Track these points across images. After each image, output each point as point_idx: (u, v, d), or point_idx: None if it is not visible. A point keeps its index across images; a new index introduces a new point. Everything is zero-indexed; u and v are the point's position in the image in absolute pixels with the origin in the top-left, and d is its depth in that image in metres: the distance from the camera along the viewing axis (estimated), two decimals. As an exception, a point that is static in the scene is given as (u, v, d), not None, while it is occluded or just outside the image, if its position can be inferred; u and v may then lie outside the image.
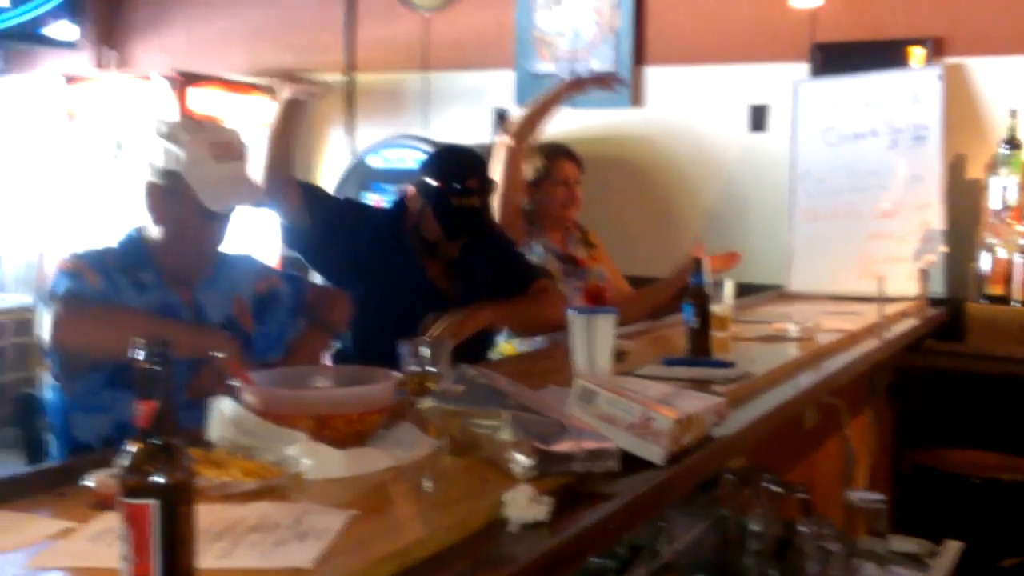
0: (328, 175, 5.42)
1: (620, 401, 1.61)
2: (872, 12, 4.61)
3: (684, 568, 1.90)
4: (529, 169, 3.46)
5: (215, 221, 2.11)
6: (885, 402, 3.81)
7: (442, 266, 2.87)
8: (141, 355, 0.95)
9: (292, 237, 2.81)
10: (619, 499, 1.36)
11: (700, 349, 2.44)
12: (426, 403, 1.58)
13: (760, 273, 4.72)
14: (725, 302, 2.99)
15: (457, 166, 2.81)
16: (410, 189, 2.86)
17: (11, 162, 6.35)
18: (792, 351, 2.78)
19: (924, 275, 3.94)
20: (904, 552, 2.04)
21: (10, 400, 2.65)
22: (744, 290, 4.46)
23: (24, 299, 5.65)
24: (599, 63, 5.07)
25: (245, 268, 2.31)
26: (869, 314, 3.40)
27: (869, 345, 2.99)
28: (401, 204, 2.87)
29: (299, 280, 2.41)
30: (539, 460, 1.41)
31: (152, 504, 0.93)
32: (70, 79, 5.64)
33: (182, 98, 5.30)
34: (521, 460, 1.41)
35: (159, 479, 0.94)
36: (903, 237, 4.26)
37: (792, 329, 2.94)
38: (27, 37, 5.89)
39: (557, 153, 3.54)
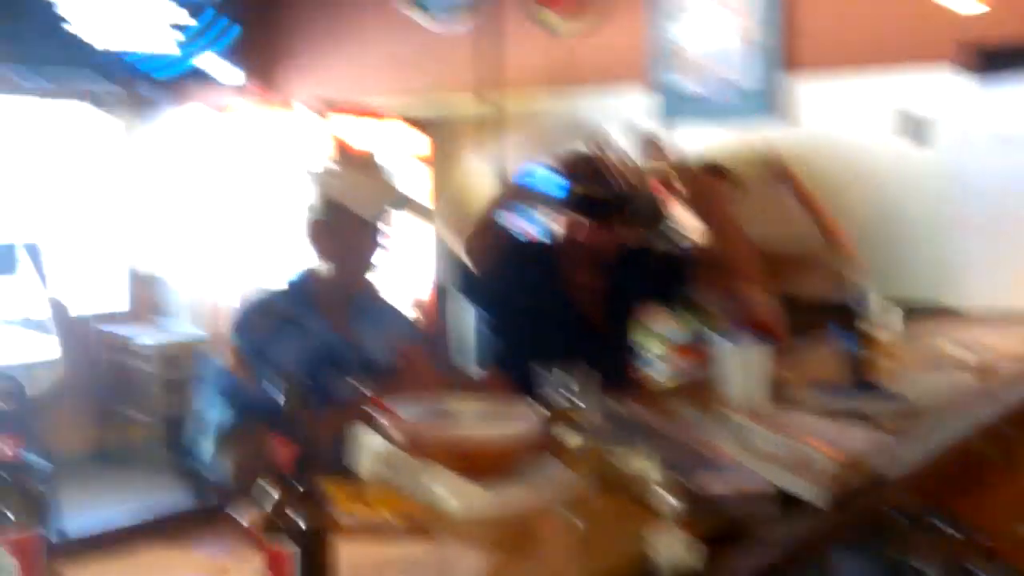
0: (473, 200, 5.47)
1: (777, 438, 1.53)
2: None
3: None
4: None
5: (372, 233, 2.18)
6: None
7: (594, 298, 2.82)
8: (282, 396, 0.95)
9: (469, 283, 2.83)
10: (778, 545, 1.28)
11: (861, 377, 2.32)
12: (573, 440, 1.53)
13: (923, 290, 4.50)
14: (892, 327, 2.84)
15: (578, 171, 2.80)
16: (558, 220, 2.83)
17: (176, 194, 6.67)
18: (967, 380, 2.60)
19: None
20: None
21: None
22: (908, 309, 4.27)
23: (196, 331, 5.93)
24: (744, 78, 4.95)
25: (399, 319, 2.38)
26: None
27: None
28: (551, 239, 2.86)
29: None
30: (689, 502, 1.34)
31: (295, 552, 0.92)
32: (225, 111, 5.92)
33: (331, 129, 5.47)
34: (670, 502, 1.35)
35: (301, 525, 0.93)
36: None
37: (966, 356, 2.76)
38: (190, 75, 6.21)
39: (708, 172, 3.41)
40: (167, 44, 5.97)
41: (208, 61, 6.15)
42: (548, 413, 1.65)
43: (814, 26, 4.82)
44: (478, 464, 1.49)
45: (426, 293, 5.74)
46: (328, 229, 2.17)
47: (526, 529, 1.38)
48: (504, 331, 2.76)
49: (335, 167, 2.20)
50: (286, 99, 6.45)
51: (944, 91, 4.37)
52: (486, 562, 1.20)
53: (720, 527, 1.35)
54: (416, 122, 5.82)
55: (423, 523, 1.36)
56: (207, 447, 2.03)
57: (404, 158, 5.73)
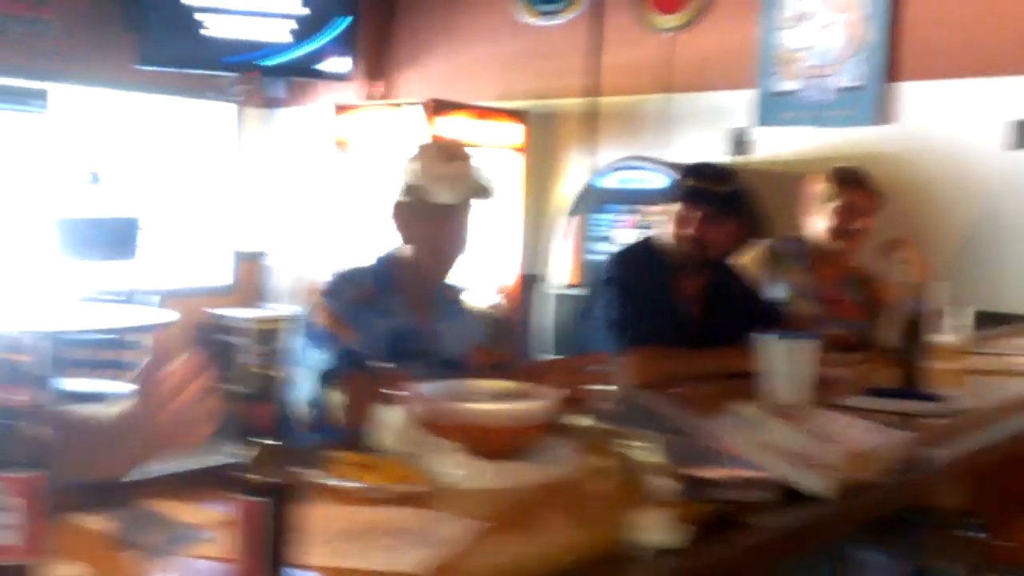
0: (567, 198, 5.52)
1: (786, 430, 1.55)
2: None
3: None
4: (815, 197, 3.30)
5: (453, 220, 2.24)
6: None
7: (695, 288, 2.84)
8: (258, 361, 1.03)
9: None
10: (763, 531, 1.31)
11: (910, 381, 2.30)
12: (583, 422, 1.59)
13: (1019, 302, 4.36)
14: (960, 332, 2.77)
15: (694, 167, 2.86)
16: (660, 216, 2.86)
17: (288, 187, 6.93)
18: (1028, 387, 2.55)
19: None
20: None
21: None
22: (1001, 320, 4.14)
23: (293, 309, 6.15)
24: (847, 79, 4.87)
25: (476, 323, 2.46)
26: None
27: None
28: (647, 239, 2.90)
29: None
30: (685, 485, 1.38)
31: (264, 502, 1.00)
32: (339, 109, 6.09)
33: (436, 124, 5.59)
34: (666, 484, 1.39)
35: (272, 479, 1.01)
36: None
37: (1032, 364, 2.69)
38: (305, 71, 6.41)
39: (841, 179, 3.30)
40: (280, 33, 6.20)
41: (320, 53, 6.35)
42: (567, 394, 1.71)
43: (922, 31, 4.70)
44: (487, 440, 1.55)
45: (511, 281, 5.83)
46: (410, 213, 2.24)
47: (522, 503, 1.44)
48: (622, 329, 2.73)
49: (421, 154, 2.27)
50: (394, 93, 6.62)
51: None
52: (469, 531, 1.26)
53: (714, 512, 1.39)
54: (517, 115, 5.90)
55: (424, 492, 1.44)
56: (307, 391, 2.09)
57: (503, 151, 5.83)
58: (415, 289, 2.27)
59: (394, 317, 2.22)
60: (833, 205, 3.24)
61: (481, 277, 5.63)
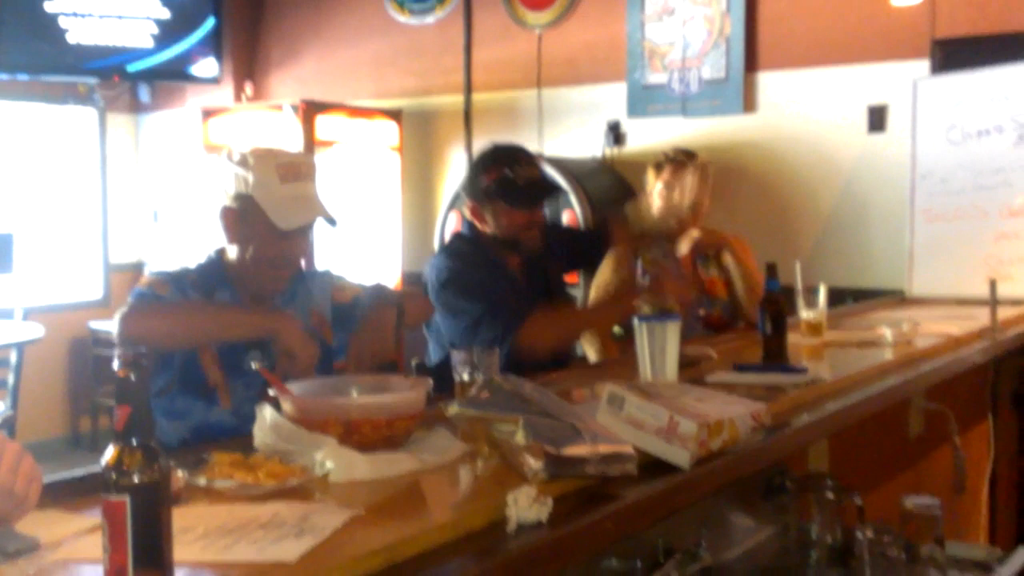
0: (447, 195, 5.55)
1: (648, 406, 1.62)
2: (995, 5, 4.41)
3: (737, 574, 1.88)
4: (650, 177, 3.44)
5: (289, 239, 2.19)
6: (1009, 409, 3.63)
7: (520, 262, 2.95)
8: (117, 364, 1.04)
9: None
10: (621, 500, 1.37)
11: (774, 355, 2.41)
12: (452, 409, 1.63)
13: (881, 278, 4.59)
14: (819, 308, 2.92)
15: (501, 152, 2.94)
16: (470, 208, 2.93)
17: (161, 194, 6.77)
18: (887, 356, 2.70)
19: (1050, 275, 3.73)
20: (971, 559, 1.96)
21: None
22: (863, 295, 4.35)
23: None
24: (710, 70, 5.03)
25: (323, 282, 2.40)
26: (987, 318, 3.25)
27: (971, 350, 2.87)
28: (471, 228, 2.94)
29: (381, 287, 2.44)
30: (549, 463, 1.43)
31: (126, 500, 1.01)
32: (207, 113, 5.99)
33: (310, 125, 5.55)
34: (531, 463, 1.44)
35: (133, 478, 1.02)
36: (1032, 237, 4.04)
37: (887, 334, 2.84)
38: (171, 75, 6.28)
39: (658, 162, 3.45)
40: (142, 37, 6.05)
41: (186, 56, 6.22)
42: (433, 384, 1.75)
43: (778, 23, 4.89)
44: (361, 433, 1.58)
45: (392, 280, 5.84)
46: (241, 223, 2.19)
47: (398, 491, 1.47)
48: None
49: (256, 166, 2.16)
50: (265, 95, 6.54)
51: (902, 83, 4.45)
52: (340, 519, 1.29)
53: (587, 487, 1.45)
54: (392, 114, 5.90)
55: (300, 487, 1.45)
56: None
57: (379, 151, 5.82)
58: (245, 288, 2.24)
59: None
60: (657, 187, 3.37)
61: (361, 277, 5.62)
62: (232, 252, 2.24)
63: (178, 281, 2.18)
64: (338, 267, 2.35)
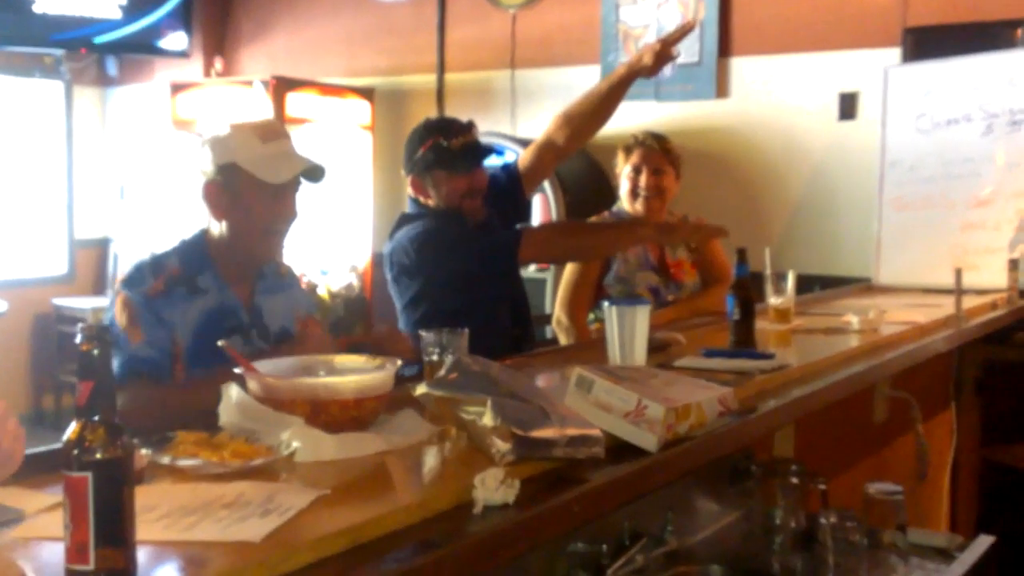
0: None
1: (616, 389, 1.62)
2: (965, -7, 4.45)
3: (702, 558, 1.89)
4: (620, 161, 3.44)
5: (280, 199, 2.18)
6: (972, 398, 3.67)
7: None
8: (80, 338, 1.02)
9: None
10: (589, 483, 1.38)
11: (742, 340, 2.42)
12: (420, 390, 1.62)
13: (849, 265, 4.62)
14: (787, 294, 2.93)
15: (433, 124, 2.94)
16: (411, 184, 2.91)
17: (128, 169, 6.69)
18: (852, 343, 2.71)
19: (1014, 265, 3.77)
20: (932, 546, 1.98)
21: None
22: (831, 283, 4.38)
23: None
24: (683, 55, 5.02)
25: (303, 295, 2.44)
26: (952, 307, 3.28)
27: (936, 338, 2.90)
28: (415, 204, 2.93)
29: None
30: (517, 445, 1.43)
31: (88, 476, 1.00)
32: (176, 87, 5.92)
33: (281, 102, 5.50)
34: (499, 445, 1.44)
35: (95, 454, 1.00)
36: (998, 227, 4.08)
37: (853, 322, 2.87)
38: (140, 48, 6.20)
39: (627, 145, 3.46)
40: (110, 8, 5.97)
41: (155, 29, 6.15)
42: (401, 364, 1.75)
43: (752, 9, 4.90)
44: (328, 413, 1.57)
45: (363, 260, 5.81)
46: (229, 194, 2.16)
47: (364, 472, 1.46)
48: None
49: (235, 134, 2.18)
50: (236, 70, 6.47)
51: (873, 71, 4.47)
52: (306, 499, 1.28)
53: (554, 470, 1.45)
54: (364, 93, 5.86)
55: (265, 466, 1.44)
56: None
57: (350, 129, 5.78)
58: (231, 266, 2.22)
59: (208, 294, 2.17)
60: (626, 170, 3.38)
61: (333, 257, 5.59)
62: (218, 228, 2.21)
63: (159, 271, 2.14)
64: (308, 248, 2.35)
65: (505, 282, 2.94)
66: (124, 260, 6.60)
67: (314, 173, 2.22)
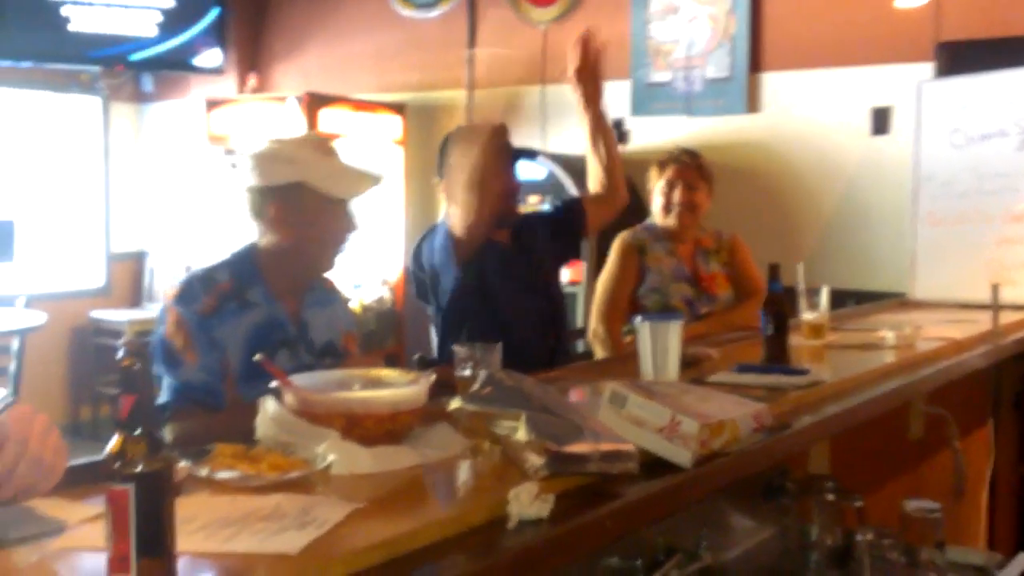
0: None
1: (650, 405, 1.62)
2: (1000, 9, 4.41)
3: (738, 574, 1.88)
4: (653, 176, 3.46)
5: (346, 212, 2.22)
6: (1010, 414, 3.62)
7: (508, 236, 3.00)
8: (122, 353, 1.04)
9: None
10: (622, 498, 1.37)
11: (775, 356, 2.41)
12: (454, 404, 1.63)
13: (884, 280, 4.59)
14: (821, 310, 2.92)
15: (465, 129, 3.07)
16: (444, 188, 2.94)
17: (164, 184, 6.77)
18: (888, 359, 2.69)
19: (1052, 280, 3.73)
20: (971, 564, 1.96)
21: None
22: (866, 298, 4.35)
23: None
24: (714, 70, 5.03)
25: (345, 310, 2.45)
26: (989, 322, 3.25)
27: (973, 354, 2.87)
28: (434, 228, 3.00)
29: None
30: (551, 460, 1.43)
31: (130, 489, 1.01)
32: (211, 104, 5.98)
33: (314, 118, 5.54)
34: (533, 460, 1.44)
35: (137, 467, 1.02)
36: (1035, 242, 4.04)
37: (889, 337, 2.84)
38: (175, 65, 6.28)
39: (661, 160, 3.47)
40: (147, 26, 6.05)
41: (190, 46, 6.22)
42: (438, 380, 1.76)
43: (783, 24, 4.89)
44: (363, 426, 1.58)
45: (395, 274, 5.84)
46: (293, 210, 2.17)
47: (400, 485, 1.47)
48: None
49: (298, 148, 2.20)
50: (269, 87, 6.54)
51: (906, 86, 4.45)
52: (343, 512, 1.29)
53: (588, 485, 1.45)
54: (395, 108, 5.90)
55: (301, 479, 1.45)
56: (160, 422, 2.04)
57: (383, 144, 5.82)
58: (282, 280, 2.24)
59: (257, 308, 2.19)
60: (659, 185, 3.39)
61: (365, 270, 5.62)
62: (271, 242, 2.22)
63: (209, 286, 2.15)
64: (342, 261, 2.36)
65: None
66: (160, 273, 6.67)
67: (376, 182, 2.26)
